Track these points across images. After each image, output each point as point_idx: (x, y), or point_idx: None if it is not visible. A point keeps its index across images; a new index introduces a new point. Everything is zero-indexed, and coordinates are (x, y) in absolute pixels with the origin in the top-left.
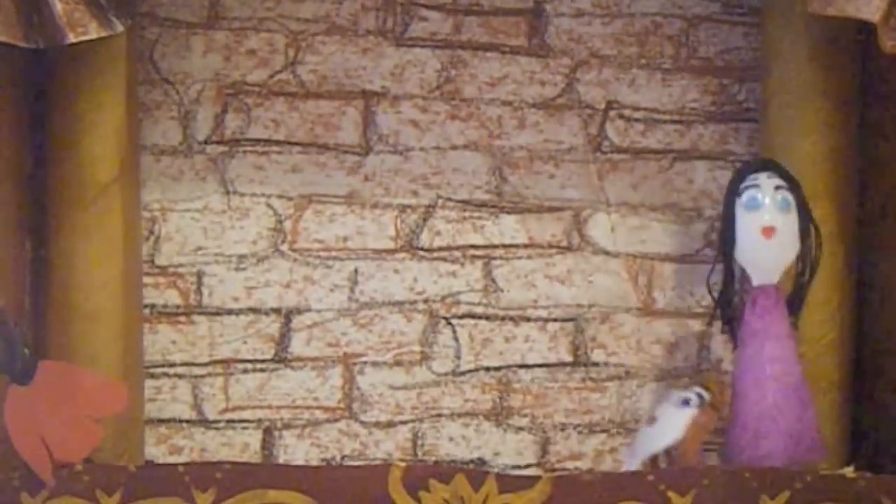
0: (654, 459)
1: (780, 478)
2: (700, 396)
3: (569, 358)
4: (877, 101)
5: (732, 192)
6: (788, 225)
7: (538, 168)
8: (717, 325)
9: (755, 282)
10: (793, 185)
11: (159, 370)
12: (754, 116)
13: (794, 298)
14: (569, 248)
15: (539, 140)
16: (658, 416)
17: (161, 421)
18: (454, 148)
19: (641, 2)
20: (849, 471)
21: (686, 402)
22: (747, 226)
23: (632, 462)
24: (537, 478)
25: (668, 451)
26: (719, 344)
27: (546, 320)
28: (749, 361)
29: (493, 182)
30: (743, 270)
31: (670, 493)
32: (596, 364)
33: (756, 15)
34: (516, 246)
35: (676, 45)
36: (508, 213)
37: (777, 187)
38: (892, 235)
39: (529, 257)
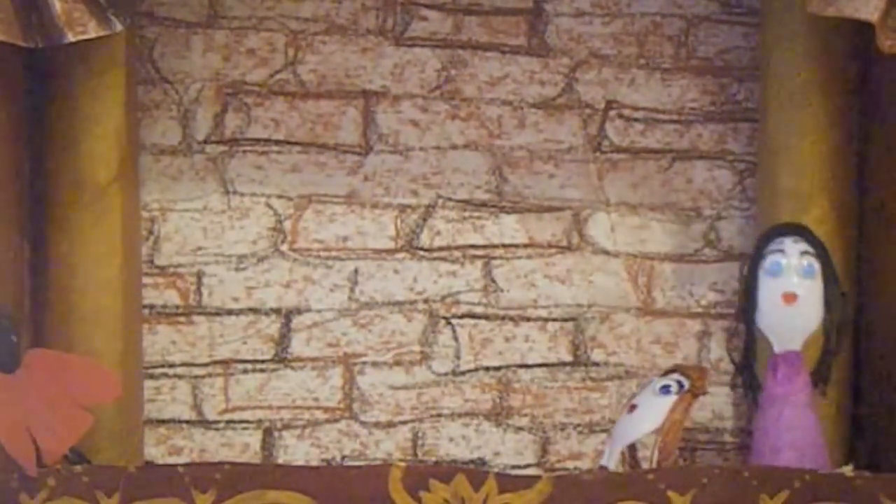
0: (632, 448)
1: (779, 477)
2: (680, 384)
3: (569, 358)
4: (876, 100)
5: (757, 255)
6: (812, 292)
7: (538, 168)
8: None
9: (776, 348)
10: (819, 250)
11: (159, 370)
12: (753, 116)
13: (821, 367)
14: (568, 248)
15: (539, 140)
16: (638, 404)
17: (161, 421)
18: (454, 148)
19: (641, 2)
20: (848, 469)
21: (666, 390)
22: (769, 291)
23: (612, 451)
24: (537, 478)
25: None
26: (719, 344)
27: (546, 320)
28: (767, 426)
29: (493, 182)
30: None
31: (670, 493)
32: (596, 364)
33: (756, 15)
34: (516, 246)
35: (676, 45)
36: (508, 212)
37: (803, 252)
38: (891, 235)
39: (529, 257)
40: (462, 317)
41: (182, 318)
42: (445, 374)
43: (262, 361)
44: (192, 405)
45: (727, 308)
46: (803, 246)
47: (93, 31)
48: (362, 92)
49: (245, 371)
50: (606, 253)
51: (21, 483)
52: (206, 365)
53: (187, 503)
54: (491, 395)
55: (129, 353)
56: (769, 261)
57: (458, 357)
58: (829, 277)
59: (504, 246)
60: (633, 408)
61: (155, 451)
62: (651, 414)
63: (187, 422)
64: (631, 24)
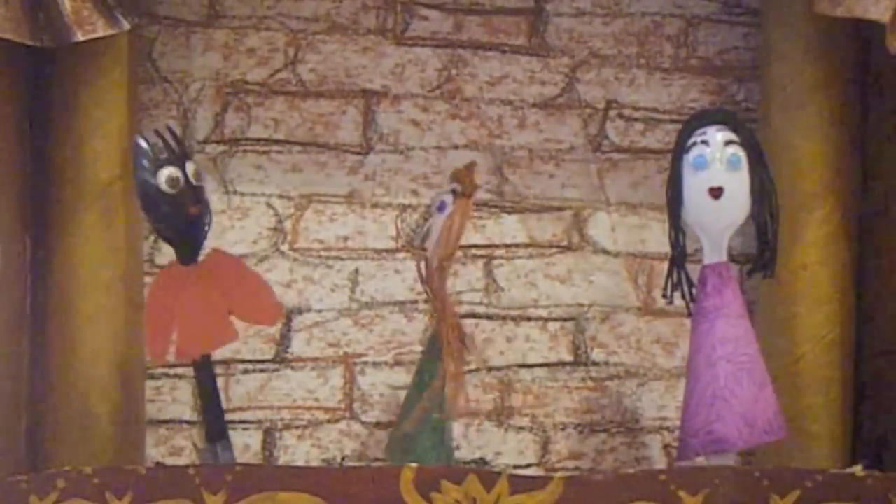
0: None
1: (790, 477)
2: (453, 192)
3: (569, 357)
4: (877, 100)
5: (680, 146)
6: (739, 184)
7: (538, 168)
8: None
9: (704, 244)
10: (745, 138)
11: (159, 371)
12: (754, 116)
13: (762, 258)
14: (569, 248)
15: (539, 139)
16: (430, 229)
17: (161, 422)
18: (454, 147)
19: (641, 2)
20: (857, 469)
21: (443, 205)
22: (694, 186)
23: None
24: (549, 478)
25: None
26: None
27: (546, 320)
28: (700, 342)
29: (494, 182)
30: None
31: (682, 493)
32: (596, 363)
33: (756, 15)
34: (517, 245)
35: (676, 45)
36: (509, 212)
37: (728, 142)
38: (893, 234)
39: (530, 257)
40: (463, 316)
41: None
42: None
43: (263, 361)
44: (192, 406)
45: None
46: (728, 135)
47: (101, 29)
48: (363, 91)
49: (245, 371)
50: (607, 253)
51: (31, 485)
52: None
53: None
54: (492, 395)
55: (129, 353)
56: (693, 153)
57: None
58: (756, 165)
59: (505, 246)
60: (427, 234)
61: (155, 452)
62: (437, 237)
63: (188, 422)
64: (631, 23)
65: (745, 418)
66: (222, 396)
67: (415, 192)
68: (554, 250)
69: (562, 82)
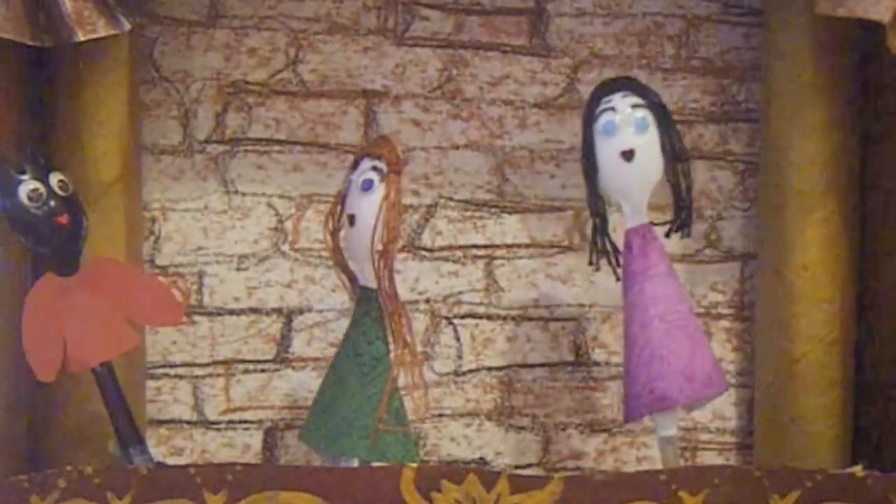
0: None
1: (790, 477)
2: (378, 170)
3: (570, 357)
4: (877, 100)
5: (589, 116)
6: (649, 144)
7: (539, 168)
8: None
9: (624, 209)
10: (650, 101)
11: (160, 371)
12: (754, 117)
13: (679, 216)
14: (570, 248)
15: (540, 140)
16: (356, 213)
17: (161, 422)
18: (455, 148)
19: (642, 2)
20: (858, 469)
21: (369, 185)
22: (606, 151)
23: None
24: (549, 478)
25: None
26: (719, 343)
27: (547, 320)
28: (632, 305)
29: (495, 182)
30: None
31: (682, 493)
32: (597, 363)
33: (756, 15)
34: (518, 245)
35: (677, 46)
36: (510, 212)
37: (634, 106)
38: (893, 234)
39: (531, 257)
40: (464, 317)
41: (183, 318)
42: (447, 374)
43: (264, 361)
44: (193, 405)
45: (728, 308)
46: (633, 99)
47: (102, 29)
48: (363, 92)
49: (246, 371)
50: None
51: (32, 484)
52: (207, 365)
53: None
54: (492, 395)
55: (130, 353)
56: (602, 121)
57: (459, 357)
58: (664, 126)
59: (506, 246)
60: (352, 219)
61: (156, 452)
62: (372, 216)
63: (188, 422)
64: (632, 24)
65: (685, 374)
66: (223, 396)
67: (416, 193)
68: (555, 250)
69: (563, 83)
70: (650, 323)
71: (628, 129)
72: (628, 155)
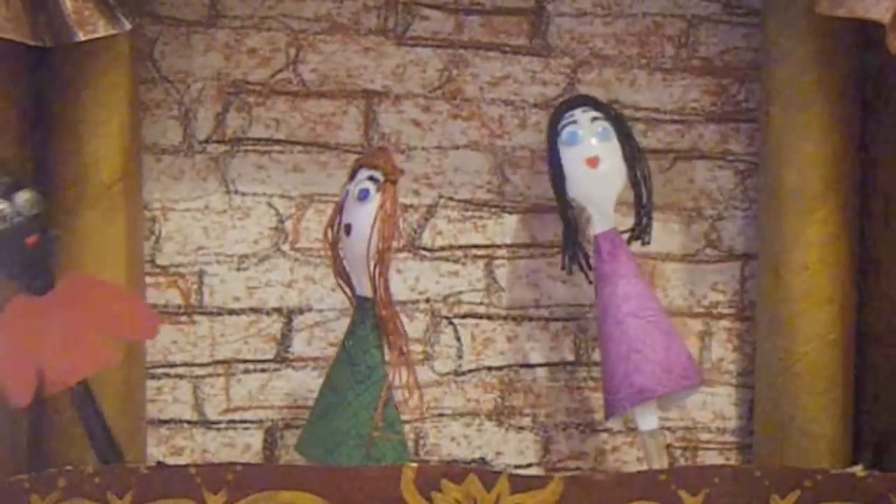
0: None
1: (790, 477)
2: (375, 180)
3: (570, 357)
4: (877, 101)
5: (552, 132)
6: (612, 152)
7: (539, 168)
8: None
9: (593, 216)
10: (608, 114)
11: (160, 370)
12: (754, 116)
13: (640, 221)
14: None
15: (540, 140)
16: (352, 223)
17: (162, 422)
18: (456, 147)
19: (642, 2)
20: (858, 469)
21: (365, 195)
22: (572, 160)
23: (357, 277)
24: (549, 478)
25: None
26: (720, 343)
27: (548, 320)
28: (606, 304)
29: (495, 182)
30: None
31: (682, 493)
32: (597, 363)
33: (756, 15)
34: (518, 245)
35: (677, 46)
36: (510, 212)
37: (594, 119)
38: (893, 234)
39: (531, 257)
40: (464, 316)
41: (183, 318)
42: (447, 374)
43: (264, 361)
44: (193, 405)
45: (728, 308)
46: (593, 113)
47: (102, 29)
48: (364, 92)
49: (246, 371)
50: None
51: (32, 484)
52: (207, 365)
53: None
54: (493, 395)
55: (130, 352)
56: (565, 133)
57: (459, 357)
58: (623, 137)
59: (506, 246)
60: (349, 228)
61: (156, 452)
62: (368, 225)
63: (188, 422)
64: (632, 24)
65: (662, 365)
66: (223, 396)
67: (416, 193)
68: (555, 250)
69: (563, 82)
70: (624, 320)
71: (591, 138)
72: (593, 162)
